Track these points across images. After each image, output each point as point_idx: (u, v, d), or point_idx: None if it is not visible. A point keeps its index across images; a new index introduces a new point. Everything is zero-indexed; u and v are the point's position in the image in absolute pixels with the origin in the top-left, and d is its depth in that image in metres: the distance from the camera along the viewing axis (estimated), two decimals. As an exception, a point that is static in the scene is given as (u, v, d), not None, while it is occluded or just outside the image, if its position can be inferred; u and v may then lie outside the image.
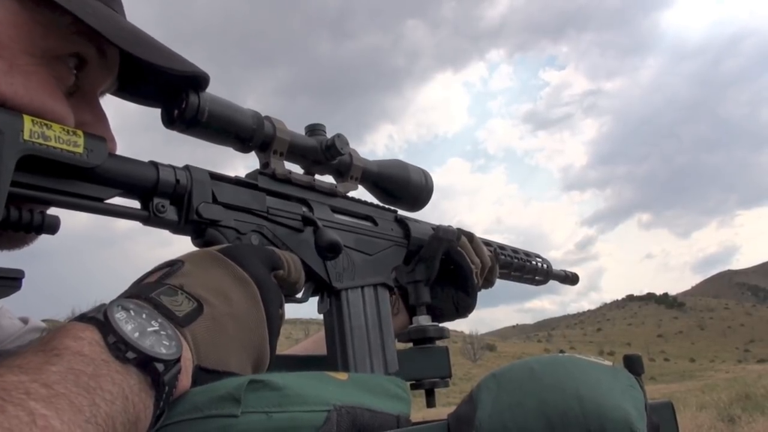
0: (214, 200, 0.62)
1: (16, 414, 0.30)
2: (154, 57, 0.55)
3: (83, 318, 0.39)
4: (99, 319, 0.39)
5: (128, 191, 0.57)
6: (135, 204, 0.58)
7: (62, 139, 0.50)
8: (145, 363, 0.38)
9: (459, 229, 1.00)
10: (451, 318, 0.97)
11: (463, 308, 0.97)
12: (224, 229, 0.62)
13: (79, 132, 0.51)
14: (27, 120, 0.48)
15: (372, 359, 0.75)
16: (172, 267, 0.50)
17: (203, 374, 0.45)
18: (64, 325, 0.39)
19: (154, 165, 0.58)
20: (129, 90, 0.64)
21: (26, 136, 0.47)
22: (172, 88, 0.61)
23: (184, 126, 0.63)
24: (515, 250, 1.19)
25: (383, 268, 0.83)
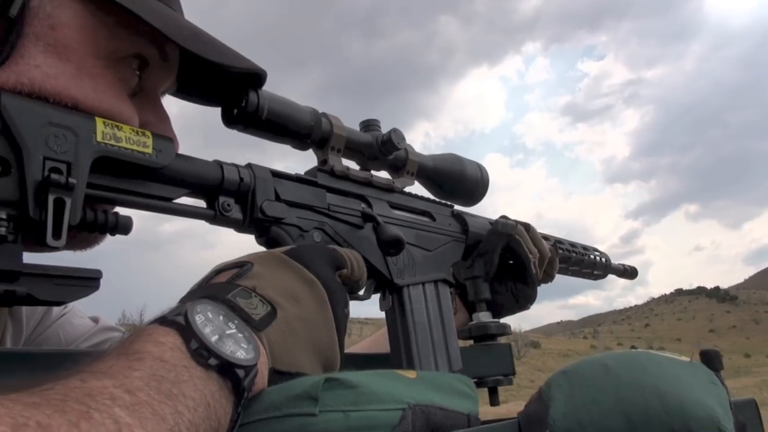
0: (277, 198, 0.62)
1: (102, 422, 0.29)
2: (213, 55, 0.55)
3: (164, 321, 0.39)
4: (180, 324, 0.38)
5: (195, 190, 0.57)
6: (201, 203, 0.58)
7: (132, 140, 0.50)
8: (226, 369, 0.38)
9: (516, 221, 0.98)
10: (512, 312, 0.95)
11: (524, 300, 0.94)
12: (287, 227, 0.62)
13: (148, 133, 0.52)
14: (99, 122, 0.48)
15: (436, 356, 0.74)
16: (241, 268, 0.49)
17: (277, 376, 0.45)
18: (144, 329, 0.39)
19: (219, 164, 0.59)
20: (188, 90, 0.65)
21: (99, 138, 0.47)
22: (231, 87, 0.61)
23: (244, 125, 0.63)
24: (573, 244, 1.16)
25: (443, 263, 0.81)
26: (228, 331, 0.40)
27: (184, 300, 0.46)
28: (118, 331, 0.82)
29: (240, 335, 0.41)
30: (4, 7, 0.44)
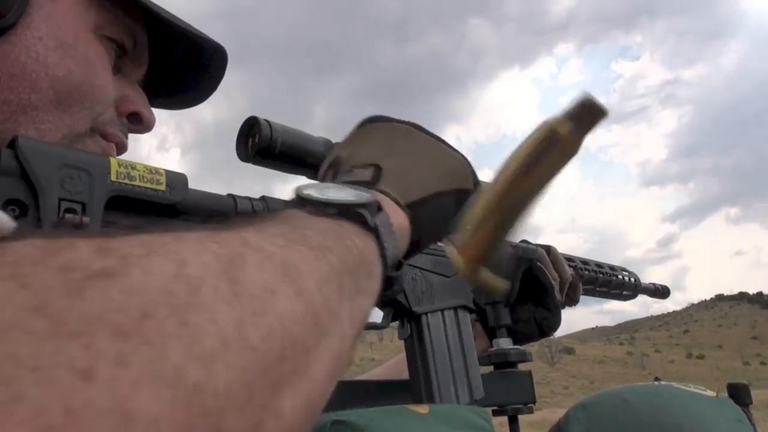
0: None
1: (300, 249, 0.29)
2: (186, 26, 0.59)
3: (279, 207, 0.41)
4: (293, 199, 0.39)
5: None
6: None
7: (146, 177, 0.51)
8: (347, 212, 0.38)
9: (537, 245, 0.97)
10: (535, 339, 0.93)
11: (547, 327, 0.93)
12: None
13: (161, 170, 0.53)
14: (113, 161, 0.49)
15: (456, 385, 0.73)
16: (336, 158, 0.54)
17: (416, 208, 0.47)
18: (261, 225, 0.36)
19: (232, 197, 0.59)
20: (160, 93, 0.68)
21: (113, 178, 0.48)
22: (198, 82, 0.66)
23: (259, 157, 0.63)
24: (599, 265, 1.13)
25: (462, 289, 0.80)
26: (339, 191, 0.40)
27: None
28: None
29: (350, 189, 0.41)
30: None
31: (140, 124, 0.61)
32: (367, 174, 0.47)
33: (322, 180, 0.53)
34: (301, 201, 0.39)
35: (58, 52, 0.52)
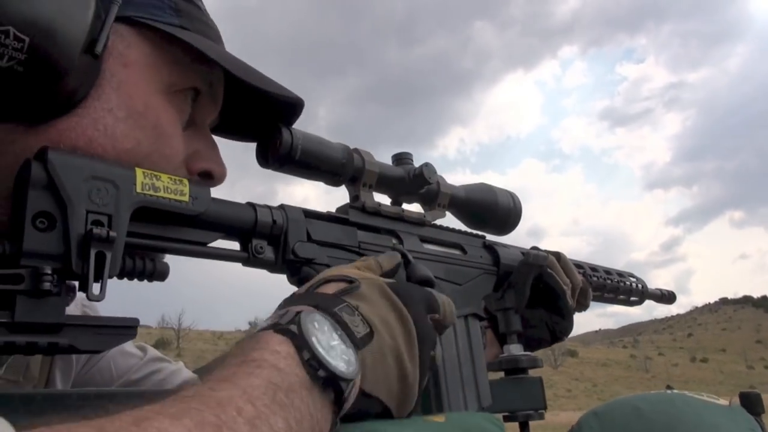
0: (309, 238, 0.63)
1: None
2: (260, 83, 0.58)
3: (278, 328, 0.42)
4: (294, 333, 0.41)
5: (229, 234, 0.58)
6: (235, 245, 0.60)
7: (170, 188, 0.52)
8: (331, 381, 0.41)
9: (546, 250, 0.97)
10: (547, 344, 0.94)
11: (560, 332, 0.93)
12: (319, 267, 0.63)
13: (185, 180, 0.53)
14: (139, 173, 0.50)
15: (465, 393, 0.74)
16: (351, 284, 0.52)
17: (361, 396, 0.47)
18: (261, 335, 0.42)
19: (252, 206, 0.60)
20: (227, 127, 0.67)
21: (139, 189, 0.49)
22: (271, 119, 0.64)
23: (278, 164, 0.64)
24: (608, 271, 1.14)
25: (473, 297, 0.81)
26: (333, 342, 0.43)
27: (288, 302, 0.49)
28: (165, 361, 0.85)
29: (343, 347, 0.43)
30: (93, 44, 0.46)
31: (211, 179, 0.61)
32: (362, 330, 0.47)
33: (335, 281, 0.53)
34: (304, 341, 0.41)
35: (128, 123, 0.51)
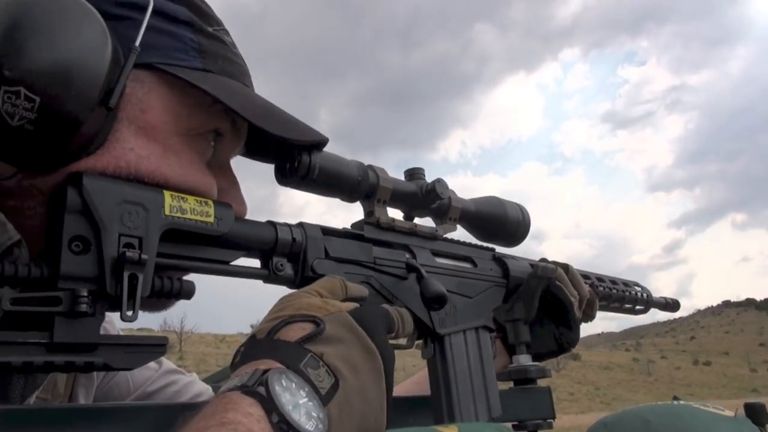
0: (326, 255, 0.65)
1: None
2: (283, 131, 0.59)
3: (247, 391, 0.42)
4: (262, 395, 0.41)
5: (251, 252, 0.60)
6: (255, 263, 0.62)
7: (196, 210, 0.54)
8: None
9: (554, 262, 0.99)
10: (554, 355, 0.96)
11: (567, 343, 0.95)
12: None
13: (210, 202, 0.55)
14: (167, 195, 0.52)
15: (476, 404, 0.75)
16: (317, 326, 0.50)
17: None
18: (233, 397, 0.42)
19: (272, 225, 0.62)
20: (249, 152, 0.69)
21: (167, 212, 0.51)
22: (288, 150, 0.65)
23: (297, 182, 0.66)
24: (614, 281, 1.16)
25: (484, 310, 0.83)
26: (300, 401, 0.43)
27: (250, 348, 0.49)
28: (180, 373, 0.86)
29: (311, 404, 0.44)
30: (107, 98, 0.47)
31: None
32: (327, 383, 0.47)
33: (297, 322, 0.51)
34: (272, 404, 0.41)
35: (151, 161, 0.53)
